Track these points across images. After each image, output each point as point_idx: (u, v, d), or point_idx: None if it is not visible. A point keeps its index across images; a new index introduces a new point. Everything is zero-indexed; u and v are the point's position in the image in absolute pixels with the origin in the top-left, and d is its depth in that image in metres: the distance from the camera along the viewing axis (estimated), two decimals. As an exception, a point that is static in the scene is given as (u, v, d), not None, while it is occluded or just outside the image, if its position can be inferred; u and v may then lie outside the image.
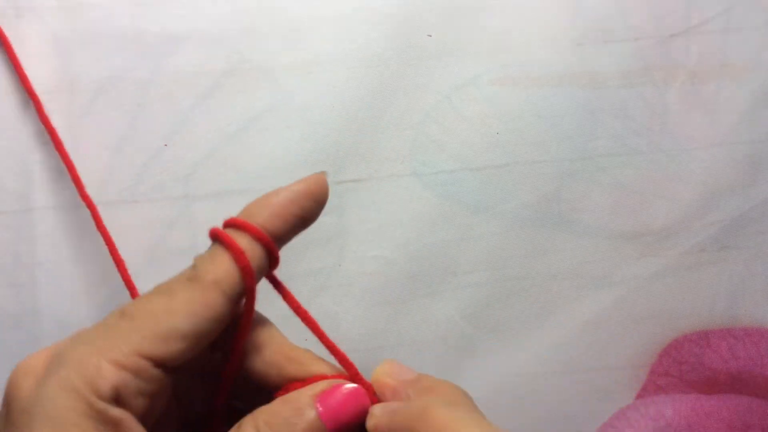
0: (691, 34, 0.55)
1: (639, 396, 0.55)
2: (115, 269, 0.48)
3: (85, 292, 0.52)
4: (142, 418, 0.27)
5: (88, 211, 0.50)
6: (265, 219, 0.31)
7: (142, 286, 0.54)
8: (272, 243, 0.31)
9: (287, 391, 0.30)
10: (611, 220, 0.55)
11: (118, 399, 0.26)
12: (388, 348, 0.55)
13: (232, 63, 0.53)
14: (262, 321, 0.33)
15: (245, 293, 0.30)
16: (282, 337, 0.32)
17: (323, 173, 0.32)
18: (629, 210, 0.55)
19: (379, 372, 0.31)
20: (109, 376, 0.26)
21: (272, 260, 0.32)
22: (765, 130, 0.55)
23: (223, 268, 0.29)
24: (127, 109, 0.52)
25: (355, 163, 0.54)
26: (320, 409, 0.28)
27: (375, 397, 0.30)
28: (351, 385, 0.29)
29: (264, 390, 0.31)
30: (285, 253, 0.55)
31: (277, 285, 0.33)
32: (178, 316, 0.28)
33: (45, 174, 0.52)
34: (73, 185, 0.51)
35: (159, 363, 0.27)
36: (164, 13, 0.53)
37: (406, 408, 0.28)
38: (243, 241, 0.30)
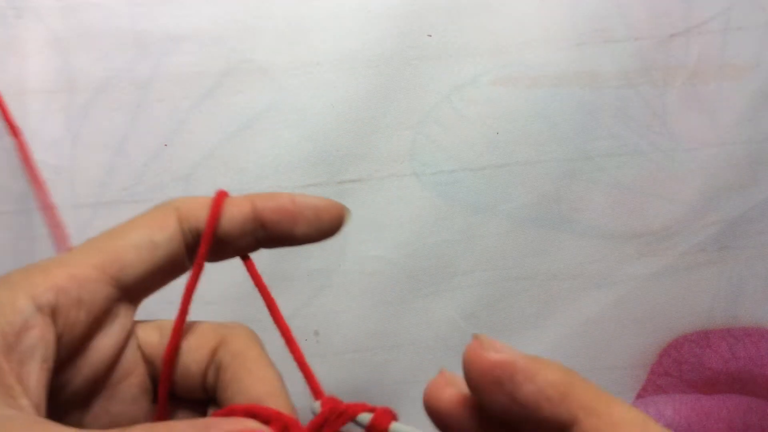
0: (691, 34, 0.55)
1: (639, 396, 0.55)
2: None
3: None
4: (82, 336, 0.26)
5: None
6: (262, 203, 0.30)
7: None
8: (256, 221, 0.30)
9: (224, 413, 0.26)
10: (611, 220, 0.55)
11: (55, 307, 0.25)
12: (388, 348, 0.55)
13: (232, 63, 0.53)
14: (248, 344, 0.30)
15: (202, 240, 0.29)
16: (263, 372, 0.29)
17: (346, 210, 0.30)
18: (629, 210, 0.55)
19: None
20: (52, 281, 0.25)
21: (247, 239, 0.30)
22: (765, 130, 0.55)
23: (191, 203, 0.29)
24: (127, 109, 0.52)
25: (355, 163, 0.54)
26: None
27: None
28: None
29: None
30: (285, 253, 0.56)
31: (252, 271, 0.32)
32: (132, 231, 0.28)
33: (45, 174, 0.52)
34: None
35: (109, 272, 0.27)
36: (164, 13, 0.53)
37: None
38: (226, 204, 0.30)
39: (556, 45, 0.54)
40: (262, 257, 0.54)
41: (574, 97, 0.54)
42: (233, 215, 0.29)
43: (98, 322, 0.27)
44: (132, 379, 0.29)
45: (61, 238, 0.52)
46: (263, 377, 0.28)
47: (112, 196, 0.52)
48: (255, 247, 0.31)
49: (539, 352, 0.57)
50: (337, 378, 0.54)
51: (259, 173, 0.53)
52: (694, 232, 0.55)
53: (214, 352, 0.30)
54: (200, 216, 0.29)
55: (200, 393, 0.30)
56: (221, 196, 0.30)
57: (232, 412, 0.26)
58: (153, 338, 0.30)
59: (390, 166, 0.54)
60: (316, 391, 0.28)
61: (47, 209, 0.51)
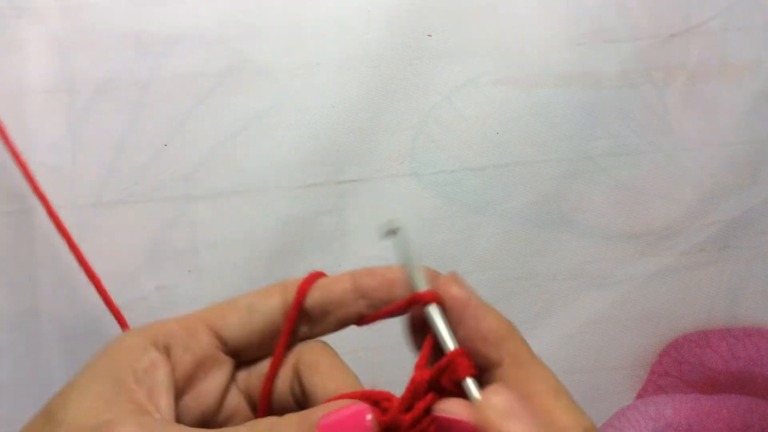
0: (691, 34, 0.55)
1: (639, 396, 0.55)
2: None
3: (84, 291, 0.52)
4: (188, 377, 0.30)
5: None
6: (366, 283, 0.33)
7: (142, 285, 0.54)
8: (356, 291, 0.33)
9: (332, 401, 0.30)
10: (611, 220, 0.55)
11: (168, 348, 0.30)
12: (389, 348, 0.55)
13: (232, 63, 0.53)
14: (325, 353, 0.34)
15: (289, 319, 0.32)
16: (337, 374, 0.33)
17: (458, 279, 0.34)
18: (629, 210, 0.55)
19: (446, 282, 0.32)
20: (167, 328, 0.30)
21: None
22: (765, 130, 0.55)
23: (295, 280, 0.33)
24: (127, 109, 0.52)
25: (355, 163, 0.54)
26: (320, 429, 0.28)
27: (380, 413, 0.29)
28: (368, 417, 0.28)
29: None
30: (286, 252, 0.56)
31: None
32: (241, 298, 0.32)
33: (45, 174, 0.52)
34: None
35: (213, 328, 0.31)
36: (164, 13, 0.53)
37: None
38: (326, 279, 0.34)
39: (556, 45, 0.54)
40: (261, 258, 0.54)
41: (574, 97, 0.54)
42: (332, 287, 0.33)
43: (202, 365, 0.31)
44: (237, 419, 0.33)
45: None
46: (337, 377, 0.32)
47: (112, 196, 0.52)
48: (359, 319, 0.34)
49: (539, 352, 0.57)
50: (337, 378, 0.54)
51: (259, 173, 0.53)
52: (694, 232, 0.55)
53: (295, 369, 0.33)
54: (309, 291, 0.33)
55: (294, 407, 0.33)
56: (313, 276, 0.33)
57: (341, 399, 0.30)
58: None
59: (390, 166, 0.54)
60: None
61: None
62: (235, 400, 0.33)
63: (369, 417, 0.28)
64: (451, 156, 0.54)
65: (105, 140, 0.52)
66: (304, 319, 0.33)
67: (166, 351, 0.30)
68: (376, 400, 0.29)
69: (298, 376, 0.33)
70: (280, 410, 0.33)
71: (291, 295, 0.32)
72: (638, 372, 0.56)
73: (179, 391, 0.30)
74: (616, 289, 0.55)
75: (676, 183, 0.55)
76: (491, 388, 0.27)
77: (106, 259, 0.51)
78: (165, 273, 0.53)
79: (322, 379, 0.32)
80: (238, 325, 0.32)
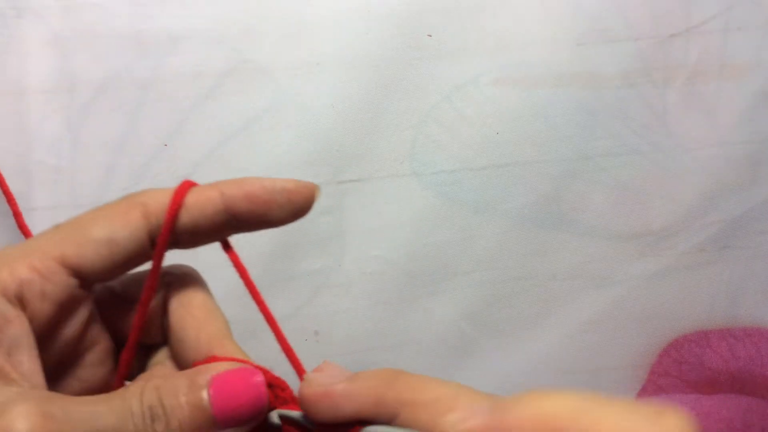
0: (691, 34, 0.55)
1: (639, 396, 0.55)
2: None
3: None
4: (48, 324, 0.28)
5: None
6: (231, 191, 0.30)
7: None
8: (226, 210, 0.30)
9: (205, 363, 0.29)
10: (611, 220, 0.55)
11: (22, 298, 0.27)
12: (388, 348, 0.55)
13: (232, 63, 0.53)
14: (198, 297, 0.32)
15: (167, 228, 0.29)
16: (207, 318, 0.31)
17: (317, 188, 0.31)
18: (629, 210, 0.55)
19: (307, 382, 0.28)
20: (18, 275, 0.27)
21: (218, 225, 0.31)
22: (765, 130, 0.55)
23: (157, 194, 0.30)
24: (127, 109, 0.52)
25: (355, 163, 0.54)
26: (212, 392, 0.26)
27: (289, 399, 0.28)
28: (257, 378, 0.27)
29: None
30: (285, 253, 0.55)
31: (226, 248, 0.32)
32: (95, 226, 0.29)
33: (45, 174, 0.52)
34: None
35: (69, 266, 0.28)
36: (164, 13, 0.53)
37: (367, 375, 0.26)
38: (194, 194, 0.30)
39: (556, 45, 0.54)
40: (261, 258, 0.54)
41: (574, 97, 0.54)
42: (201, 206, 0.30)
43: (62, 309, 0.28)
44: (97, 348, 0.31)
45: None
46: (208, 323, 0.30)
47: (112, 196, 0.52)
48: (230, 233, 0.32)
49: (539, 352, 0.57)
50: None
51: (259, 173, 0.53)
52: (694, 232, 0.55)
53: (165, 303, 0.31)
54: (163, 209, 0.30)
55: (158, 338, 0.32)
56: (184, 188, 0.30)
57: (213, 361, 0.28)
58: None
59: (390, 166, 0.54)
60: (299, 370, 0.30)
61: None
62: (96, 328, 0.31)
63: (258, 378, 0.27)
64: (451, 156, 0.54)
65: (105, 140, 0.52)
66: (170, 244, 0.30)
67: (20, 302, 0.27)
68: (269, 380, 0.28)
69: (167, 312, 0.31)
70: (143, 339, 0.32)
71: (155, 219, 0.29)
72: (638, 372, 0.56)
73: (40, 342, 0.28)
74: (616, 289, 0.55)
75: (676, 183, 0.55)
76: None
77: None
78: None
79: (194, 324, 0.30)
80: (99, 261, 0.29)
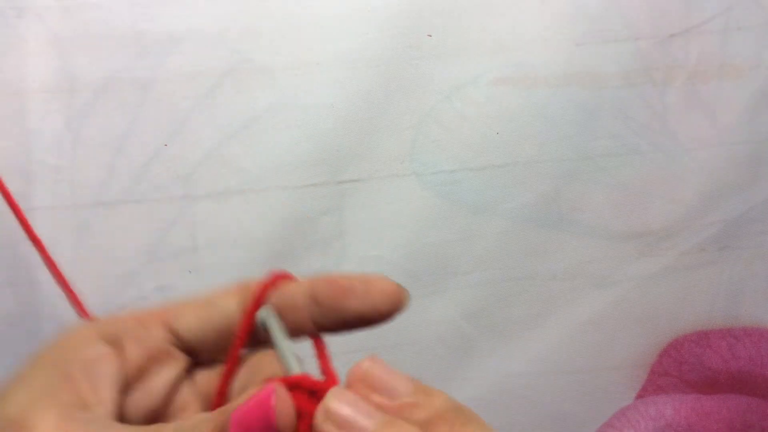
0: (691, 34, 0.55)
1: (639, 396, 0.55)
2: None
3: (83, 291, 0.52)
4: (137, 368, 0.30)
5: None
6: (317, 280, 0.31)
7: (142, 285, 0.54)
8: (311, 297, 0.31)
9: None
10: (611, 220, 0.55)
11: (117, 341, 0.29)
12: (388, 348, 0.55)
13: (232, 63, 0.53)
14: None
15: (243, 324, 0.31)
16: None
17: (403, 290, 0.30)
18: (629, 210, 0.55)
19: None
20: (118, 322, 0.30)
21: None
22: (765, 130, 0.55)
23: (257, 281, 0.32)
24: (127, 109, 0.52)
25: (355, 163, 0.54)
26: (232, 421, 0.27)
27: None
28: (265, 390, 0.26)
29: None
30: (286, 253, 0.56)
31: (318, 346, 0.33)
32: (197, 296, 0.31)
33: (45, 174, 0.52)
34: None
35: (166, 324, 0.30)
36: (164, 13, 0.53)
37: None
38: (285, 282, 0.32)
39: (556, 45, 0.54)
40: (261, 257, 0.54)
41: (574, 97, 0.54)
42: (289, 291, 0.32)
43: (154, 360, 0.30)
44: (187, 413, 0.32)
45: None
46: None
47: (112, 196, 0.52)
48: (313, 328, 0.32)
49: (539, 352, 0.57)
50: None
51: (259, 173, 0.53)
52: (694, 232, 0.55)
53: (249, 376, 0.32)
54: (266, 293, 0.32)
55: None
56: (274, 279, 0.32)
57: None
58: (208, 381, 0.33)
59: (390, 166, 0.54)
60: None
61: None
62: (187, 393, 0.32)
63: (274, 400, 0.26)
64: (451, 156, 0.54)
65: (105, 140, 0.52)
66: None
67: (118, 344, 0.29)
68: (311, 387, 0.27)
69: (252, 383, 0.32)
70: None
71: (251, 295, 0.31)
72: (638, 372, 0.56)
73: (128, 385, 0.29)
74: (616, 289, 0.55)
75: (676, 183, 0.55)
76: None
77: (106, 259, 0.51)
78: (165, 273, 0.53)
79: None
80: (194, 321, 0.31)
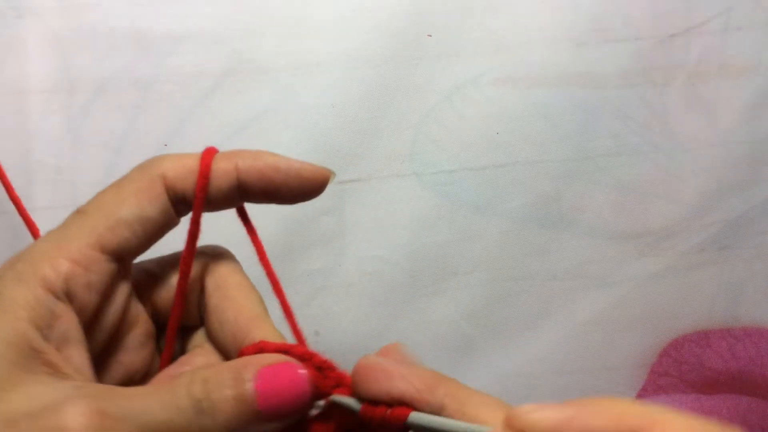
0: (691, 34, 0.55)
1: (639, 396, 0.55)
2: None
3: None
4: (94, 313, 0.28)
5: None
6: (246, 165, 0.31)
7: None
8: (241, 185, 0.31)
9: (241, 354, 0.29)
10: (611, 220, 0.55)
11: (68, 292, 0.27)
12: (388, 348, 0.55)
13: (232, 63, 0.53)
14: (232, 277, 0.33)
15: (195, 199, 0.30)
16: (244, 299, 0.32)
17: (331, 173, 0.32)
18: (629, 210, 0.55)
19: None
20: (61, 270, 0.27)
21: (230, 194, 0.31)
22: (765, 130, 0.55)
23: (175, 166, 0.31)
24: (127, 109, 0.52)
25: (355, 163, 0.54)
26: (257, 387, 0.27)
27: (332, 386, 0.29)
28: (301, 371, 0.27)
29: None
30: (286, 253, 0.56)
31: (245, 219, 0.33)
32: (123, 206, 0.29)
33: (45, 174, 0.52)
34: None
35: (108, 252, 0.29)
36: (164, 13, 0.53)
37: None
38: (213, 168, 0.31)
39: (556, 45, 0.54)
40: (262, 257, 0.54)
41: (574, 97, 0.54)
42: (219, 182, 0.31)
43: (105, 296, 0.29)
44: (137, 329, 0.31)
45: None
46: (245, 304, 0.31)
47: (112, 196, 0.52)
48: (241, 203, 0.32)
49: (539, 352, 0.57)
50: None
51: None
52: (694, 232, 0.55)
53: (201, 280, 0.32)
54: (187, 183, 0.30)
55: (196, 320, 0.32)
56: (208, 157, 0.30)
57: (262, 350, 0.29)
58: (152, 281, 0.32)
59: (390, 166, 0.54)
60: (299, 339, 0.31)
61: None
62: (134, 308, 0.31)
63: (302, 372, 0.27)
64: (451, 156, 0.54)
65: (105, 140, 0.52)
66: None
67: (67, 296, 0.27)
68: (318, 363, 0.29)
69: (204, 293, 0.32)
70: (181, 328, 0.32)
71: (178, 189, 0.30)
72: (638, 372, 0.56)
73: (87, 333, 0.28)
74: (616, 289, 0.55)
75: (676, 183, 0.55)
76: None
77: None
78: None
79: (232, 305, 0.31)
80: (135, 240, 0.29)
